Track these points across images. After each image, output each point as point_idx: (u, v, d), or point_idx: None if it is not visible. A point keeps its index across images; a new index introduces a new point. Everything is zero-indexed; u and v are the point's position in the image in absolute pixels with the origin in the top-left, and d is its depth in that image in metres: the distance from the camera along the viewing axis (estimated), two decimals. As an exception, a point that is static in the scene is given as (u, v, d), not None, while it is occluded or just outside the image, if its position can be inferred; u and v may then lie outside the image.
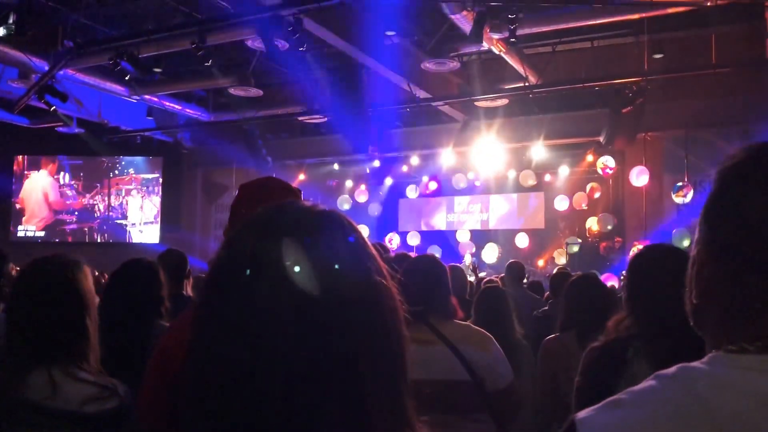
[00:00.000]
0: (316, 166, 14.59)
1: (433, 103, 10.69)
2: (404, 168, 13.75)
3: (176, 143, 13.94)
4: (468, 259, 12.29)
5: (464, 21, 7.75)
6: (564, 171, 12.79)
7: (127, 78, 9.14)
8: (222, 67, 9.71)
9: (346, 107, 10.17)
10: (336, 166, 14.35)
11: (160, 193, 14.80)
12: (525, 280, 6.78)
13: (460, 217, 14.93)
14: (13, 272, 3.61)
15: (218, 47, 8.87)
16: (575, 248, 12.46)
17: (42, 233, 14.76)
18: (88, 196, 14.96)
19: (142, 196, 14.89)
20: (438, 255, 5.54)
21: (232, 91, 10.68)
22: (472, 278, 7.32)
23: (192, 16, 8.77)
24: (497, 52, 8.65)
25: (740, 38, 9.00)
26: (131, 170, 14.96)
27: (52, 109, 9.70)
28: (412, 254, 4.59)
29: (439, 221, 15.19)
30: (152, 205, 14.86)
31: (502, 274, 6.65)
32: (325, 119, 11.53)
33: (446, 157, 12.31)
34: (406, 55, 9.59)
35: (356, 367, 0.65)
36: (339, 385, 0.64)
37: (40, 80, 9.12)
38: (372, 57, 9.04)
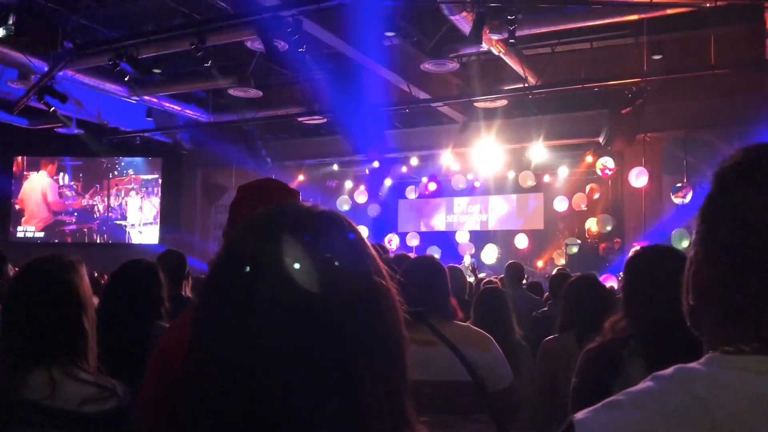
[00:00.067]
0: (315, 167, 14.58)
1: (433, 104, 10.69)
2: (404, 169, 13.75)
3: (176, 144, 13.91)
4: (467, 260, 12.30)
5: (464, 22, 7.76)
6: (563, 172, 12.80)
7: (126, 79, 9.13)
8: (221, 68, 9.69)
9: (346, 108, 10.18)
10: (335, 167, 14.35)
11: (160, 194, 14.77)
12: (524, 281, 6.79)
13: (460, 218, 14.94)
14: (12, 273, 3.62)
15: (218, 48, 8.86)
16: (574, 249, 12.47)
17: (41, 234, 14.75)
18: (87, 196, 14.94)
19: (142, 197, 14.86)
20: (437, 256, 5.55)
21: (231, 92, 10.68)
22: (471, 279, 7.33)
23: (192, 16, 8.77)
24: (497, 53, 8.64)
25: (740, 39, 8.99)
26: (131, 171, 14.94)
27: (52, 109, 9.69)
28: (412, 255, 4.58)
29: (439, 222, 15.20)
30: (152, 205, 14.84)
31: (502, 275, 6.66)
32: (325, 120, 11.54)
33: (445, 158, 12.31)
34: (405, 56, 9.59)
35: (356, 367, 0.65)
36: (339, 385, 0.64)
37: (39, 81, 9.11)
38: (371, 58, 9.04)
